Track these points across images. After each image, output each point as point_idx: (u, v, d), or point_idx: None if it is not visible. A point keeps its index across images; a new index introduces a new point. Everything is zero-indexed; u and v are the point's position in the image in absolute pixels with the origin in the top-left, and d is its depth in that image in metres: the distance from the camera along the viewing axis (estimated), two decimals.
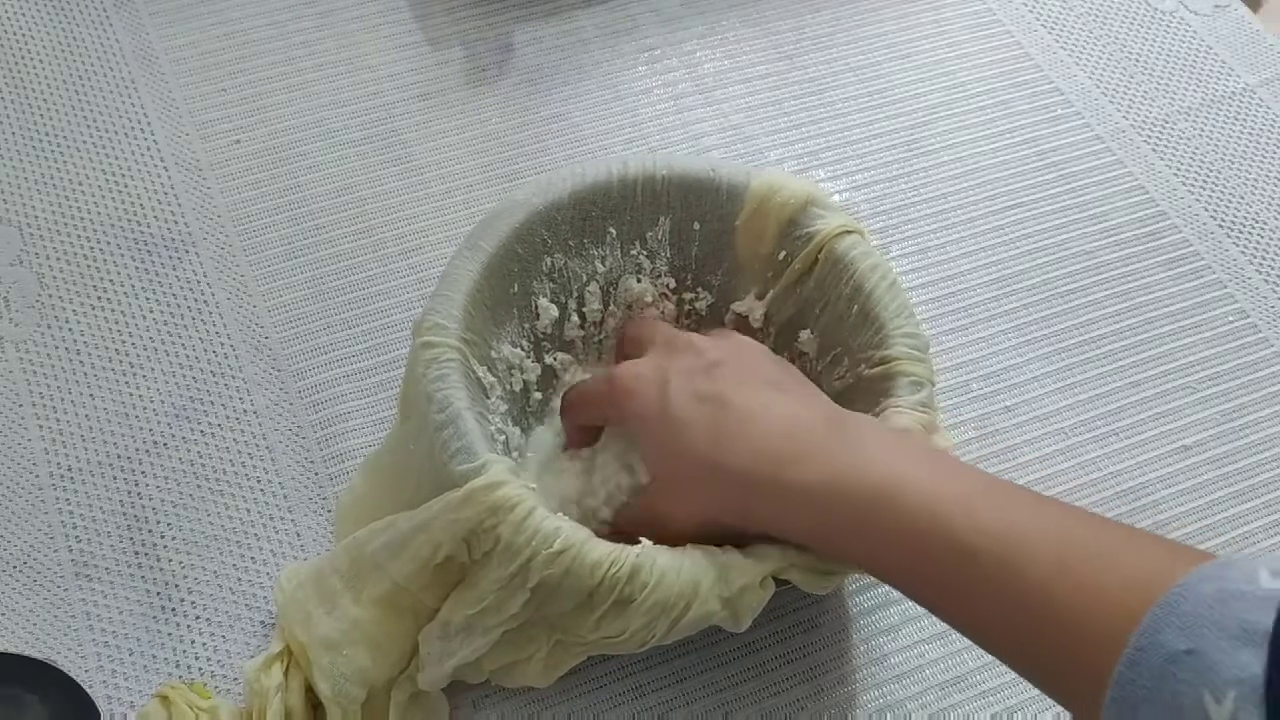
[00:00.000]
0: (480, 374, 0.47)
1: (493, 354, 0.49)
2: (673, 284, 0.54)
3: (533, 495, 0.42)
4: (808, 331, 0.51)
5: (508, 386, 0.50)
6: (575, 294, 0.53)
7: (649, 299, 0.54)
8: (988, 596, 0.36)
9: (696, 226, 0.52)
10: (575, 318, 0.53)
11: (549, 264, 0.51)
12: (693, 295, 0.54)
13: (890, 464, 0.40)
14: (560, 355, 0.53)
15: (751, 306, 0.53)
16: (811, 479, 0.40)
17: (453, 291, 0.47)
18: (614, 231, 0.52)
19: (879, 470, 0.40)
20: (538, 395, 0.52)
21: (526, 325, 0.51)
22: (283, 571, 0.47)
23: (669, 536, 0.43)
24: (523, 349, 0.51)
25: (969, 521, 0.37)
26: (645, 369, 0.46)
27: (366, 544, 0.44)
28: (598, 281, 0.53)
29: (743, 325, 0.53)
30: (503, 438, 0.48)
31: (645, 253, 0.53)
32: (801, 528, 0.42)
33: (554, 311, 0.52)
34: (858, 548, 0.40)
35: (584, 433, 0.50)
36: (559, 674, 0.45)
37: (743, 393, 0.44)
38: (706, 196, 0.51)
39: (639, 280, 0.53)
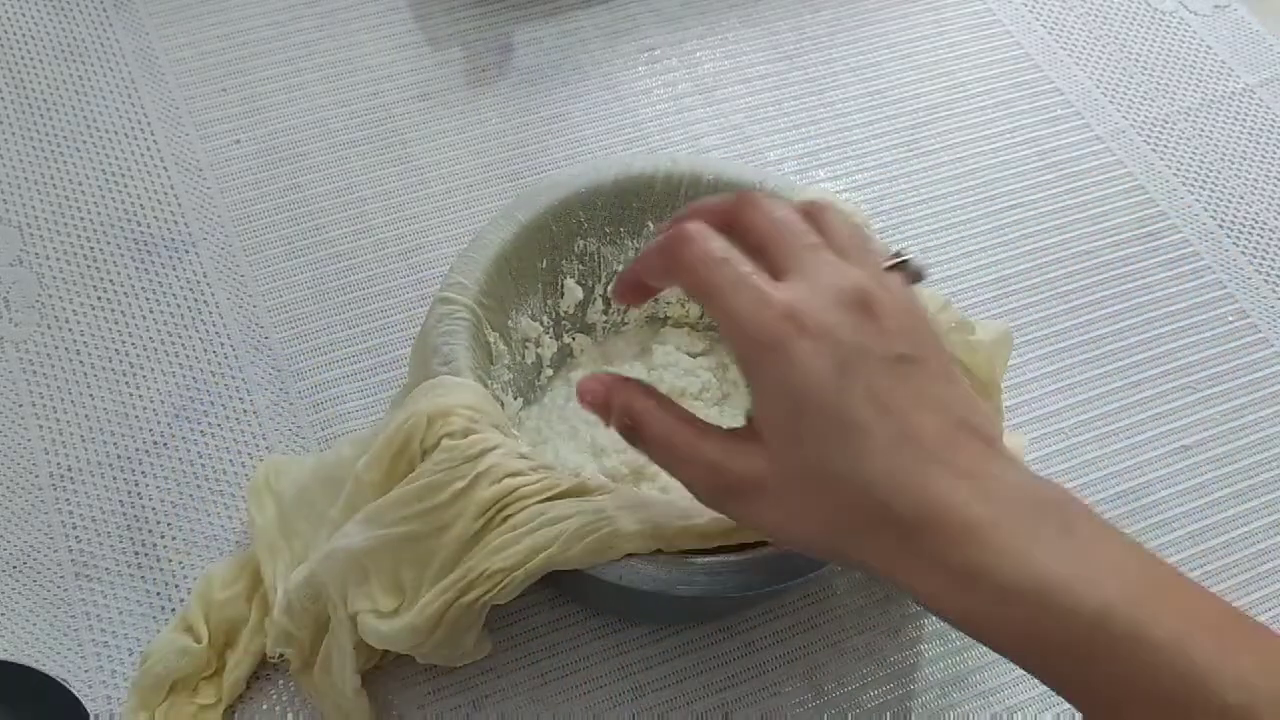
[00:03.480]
0: (491, 340, 0.48)
1: (509, 323, 0.49)
2: None
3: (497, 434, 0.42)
4: None
5: (518, 358, 0.50)
6: (603, 279, 0.53)
7: (673, 299, 0.54)
8: None
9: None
10: (600, 302, 0.53)
11: (581, 246, 0.51)
12: None
13: (1109, 583, 0.31)
14: (580, 337, 0.54)
15: None
16: (1008, 576, 0.31)
17: (479, 255, 0.47)
18: (652, 226, 0.52)
19: (1098, 593, 0.31)
20: (549, 372, 0.53)
21: (550, 302, 0.52)
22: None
23: (760, 528, 0.36)
24: (542, 324, 0.51)
25: (1232, 677, 0.30)
26: (810, 320, 0.34)
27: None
28: None
29: None
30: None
31: None
32: (976, 622, 0.33)
33: (579, 293, 0.52)
34: (1066, 678, 0.32)
35: (640, 291, 0.39)
36: (474, 633, 0.44)
37: (933, 417, 0.34)
38: None
39: None
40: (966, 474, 0.33)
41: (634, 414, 0.37)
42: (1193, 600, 0.32)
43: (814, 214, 0.37)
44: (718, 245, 0.35)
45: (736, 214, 0.37)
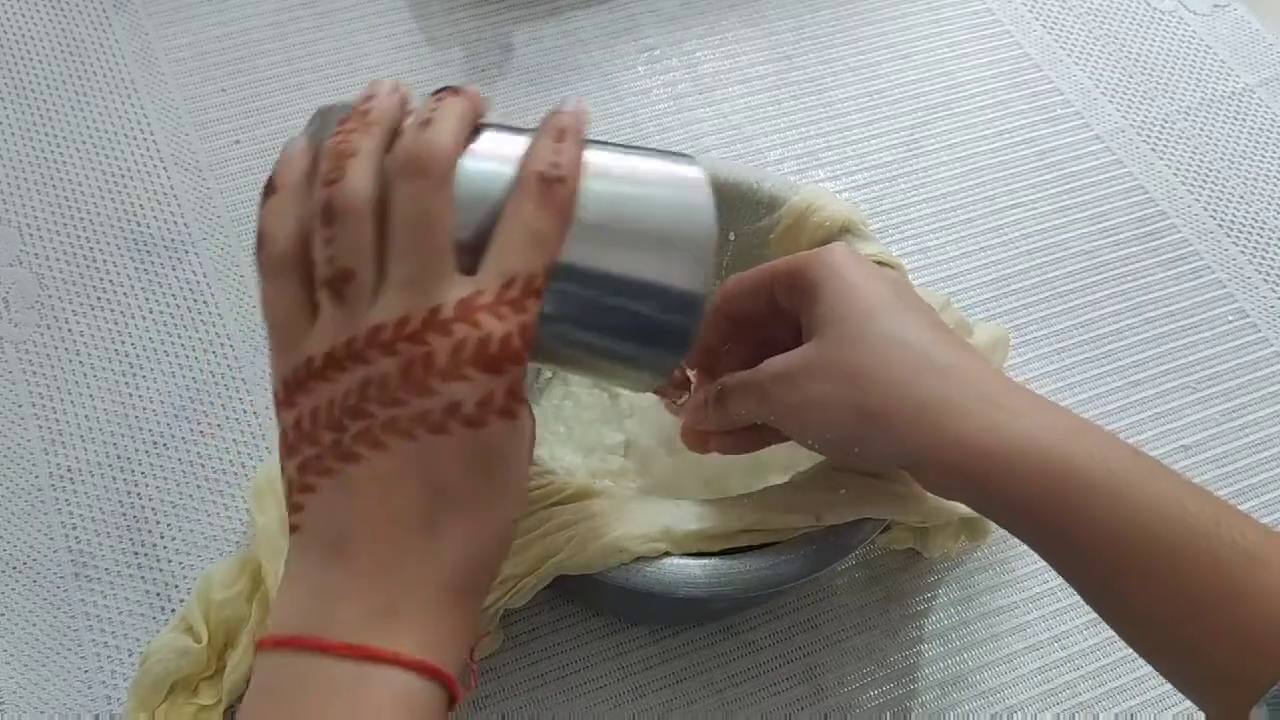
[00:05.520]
0: None
1: None
2: None
3: None
4: None
5: None
6: None
7: None
8: (1158, 570, 0.34)
9: (731, 236, 0.52)
10: None
11: None
12: None
13: (1048, 426, 0.37)
14: None
15: None
16: (1018, 426, 0.36)
17: None
18: None
19: (1045, 435, 0.36)
20: (548, 374, 0.52)
21: None
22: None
23: (799, 411, 0.39)
24: None
25: (1142, 494, 0.34)
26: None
27: None
28: None
29: None
30: None
31: None
32: (982, 466, 0.36)
33: None
34: (1071, 511, 0.36)
35: (706, 355, 0.44)
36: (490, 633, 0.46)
37: (966, 345, 0.40)
38: (746, 207, 0.51)
39: None
40: (992, 370, 0.38)
41: (721, 388, 0.42)
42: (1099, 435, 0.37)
43: None
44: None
45: None
